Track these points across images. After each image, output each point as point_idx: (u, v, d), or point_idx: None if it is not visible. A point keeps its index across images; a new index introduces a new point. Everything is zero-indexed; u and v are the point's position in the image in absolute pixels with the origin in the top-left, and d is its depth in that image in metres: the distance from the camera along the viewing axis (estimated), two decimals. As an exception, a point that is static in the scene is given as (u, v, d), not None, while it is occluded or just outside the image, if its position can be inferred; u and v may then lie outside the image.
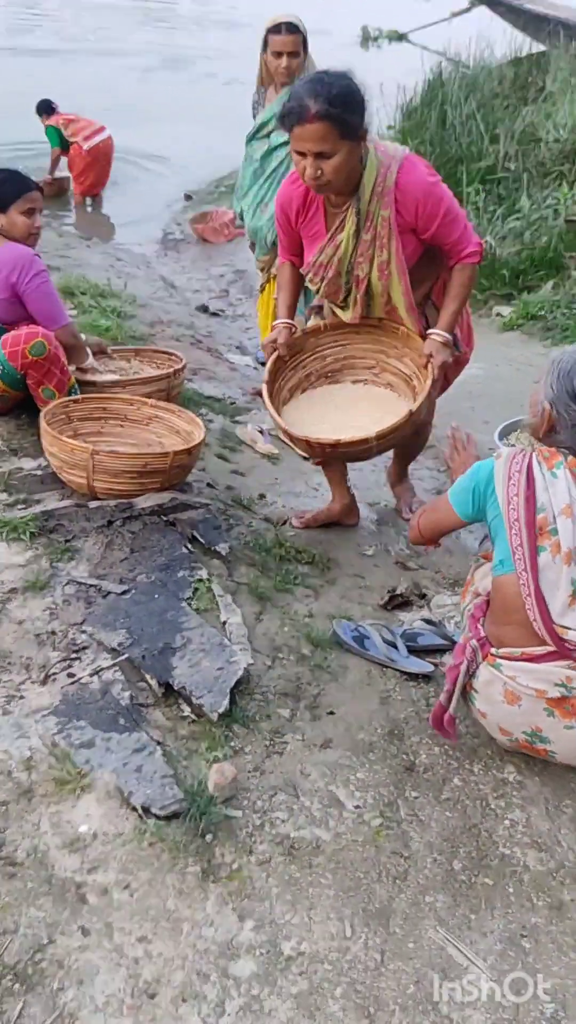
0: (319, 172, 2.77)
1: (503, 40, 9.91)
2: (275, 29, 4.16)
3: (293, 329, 3.26)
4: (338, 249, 3.01)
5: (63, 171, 9.10)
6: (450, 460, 2.77)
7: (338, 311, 3.24)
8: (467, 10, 14.43)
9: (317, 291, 3.19)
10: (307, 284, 3.21)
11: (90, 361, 3.68)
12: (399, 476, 3.72)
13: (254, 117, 4.43)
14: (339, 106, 2.69)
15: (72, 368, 3.59)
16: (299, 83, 2.77)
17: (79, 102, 9.67)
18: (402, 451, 3.60)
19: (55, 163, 8.94)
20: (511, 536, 2.18)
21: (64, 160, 8.98)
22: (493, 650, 2.25)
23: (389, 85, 8.51)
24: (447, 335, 3.08)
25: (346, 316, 3.19)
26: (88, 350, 3.72)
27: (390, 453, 3.58)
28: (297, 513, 3.58)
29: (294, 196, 3.04)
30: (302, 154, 2.76)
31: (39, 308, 3.39)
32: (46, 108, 8.97)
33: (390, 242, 2.96)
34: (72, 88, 11.69)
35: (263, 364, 5.56)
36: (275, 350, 3.24)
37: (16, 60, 14.15)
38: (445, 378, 3.26)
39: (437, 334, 3.07)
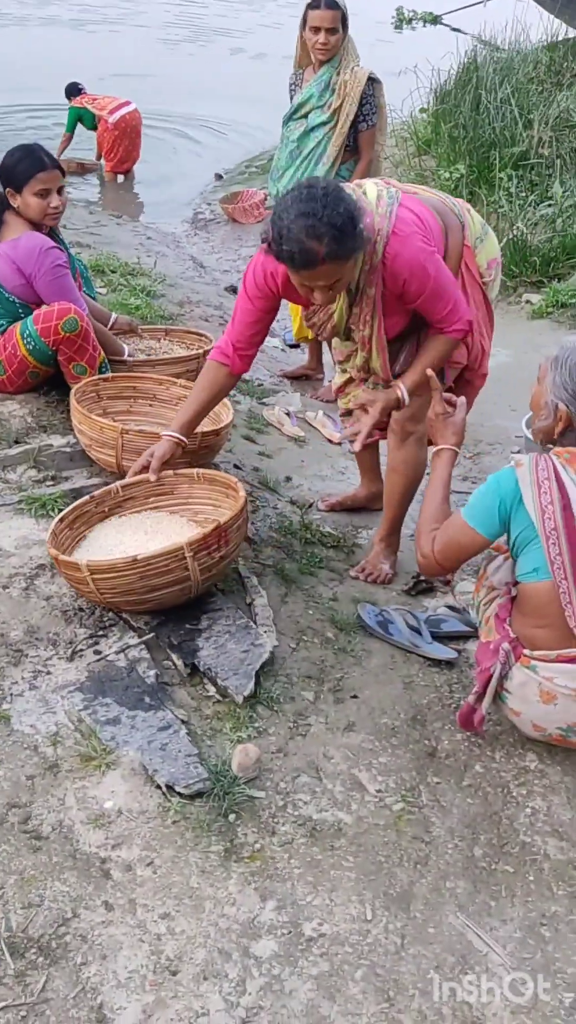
0: (331, 293, 2.60)
1: (538, 25, 9.75)
2: (314, 4, 4.12)
3: (182, 446, 2.89)
4: (331, 318, 2.85)
5: (89, 151, 9.12)
6: (433, 419, 2.54)
7: (335, 340, 3.09)
8: (473, 4, 14.24)
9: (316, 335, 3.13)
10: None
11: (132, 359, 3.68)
12: (385, 531, 3.19)
13: (291, 98, 4.40)
14: (347, 240, 2.45)
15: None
16: (288, 217, 2.43)
17: (106, 76, 9.66)
18: (390, 507, 3.18)
19: (63, 147, 8.95)
20: (548, 546, 2.13)
21: (94, 139, 8.99)
22: (527, 651, 2.23)
23: (423, 67, 8.43)
24: (405, 393, 2.84)
25: (342, 348, 3.07)
26: (126, 348, 3.71)
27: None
28: (324, 496, 3.57)
29: (279, 271, 2.68)
30: (308, 286, 2.56)
31: (51, 300, 3.36)
32: (74, 90, 9.00)
33: (372, 320, 2.80)
34: (98, 61, 11.69)
35: (291, 346, 5.58)
36: (145, 467, 2.85)
37: (41, 31, 14.11)
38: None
39: (399, 387, 2.84)
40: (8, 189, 3.34)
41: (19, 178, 3.32)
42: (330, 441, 4.21)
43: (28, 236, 3.34)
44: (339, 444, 4.17)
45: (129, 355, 3.71)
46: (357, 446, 2.91)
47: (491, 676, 2.25)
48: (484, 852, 2.09)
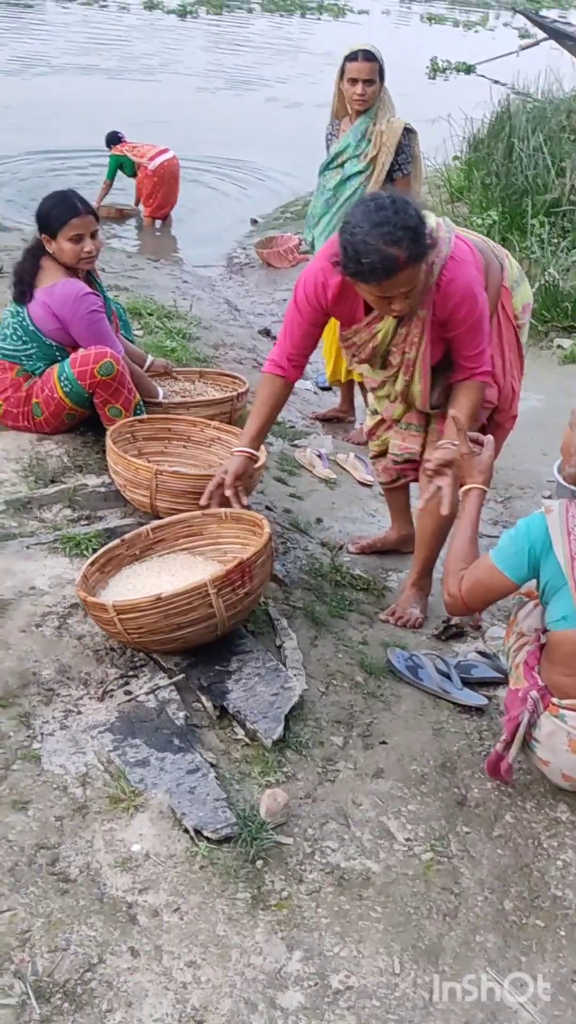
0: (409, 300, 2.63)
1: (571, 74, 9.89)
2: (352, 56, 4.20)
3: (254, 460, 2.97)
4: (374, 337, 2.88)
5: (128, 197, 9.30)
6: (462, 460, 2.50)
7: (366, 370, 3.08)
8: (535, 44, 14.46)
9: (350, 360, 3.08)
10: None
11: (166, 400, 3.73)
12: (416, 575, 3.19)
13: (327, 148, 4.47)
14: (422, 240, 2.54)
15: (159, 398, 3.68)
16: (361, 231, 2.49)
17: (144, 122, 9.86)
18: (421, 548, 3.17)
19: (103, 193, 9.14)
20: None
21: (134, 185, 9.17)
22: (555, 700, 2.21)
23: (457, 116, 8.55)
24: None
25: (374, 377, 3.05)
26: (159, 390, 3.77)
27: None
28: (354, 539, 3.57)
29: (330, 285, 2.78)
30: (387, 297, 2.59)
31: (87, 345, 3.42)
32: (114, 139, 9.21)
33: (419, 343, 2.82)
34: (136, 108, 11.97)
35: (324, 389, 5.62)
36: (234, 488, 2.89)
37: (82, 79, 14.48)
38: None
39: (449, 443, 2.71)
40: (44, 235, 3.42)
41: (54, 224, 3.39)
42: (361, 483, 4.22)
43: (63, 283, 3.41)
44: (370, 487, 4.18)
45: (164, 397, 3.76)
46: (445, 509, 2.66)
47: (519, 724, 2.23)
48: (515, 905, 2.06)
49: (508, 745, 2.26)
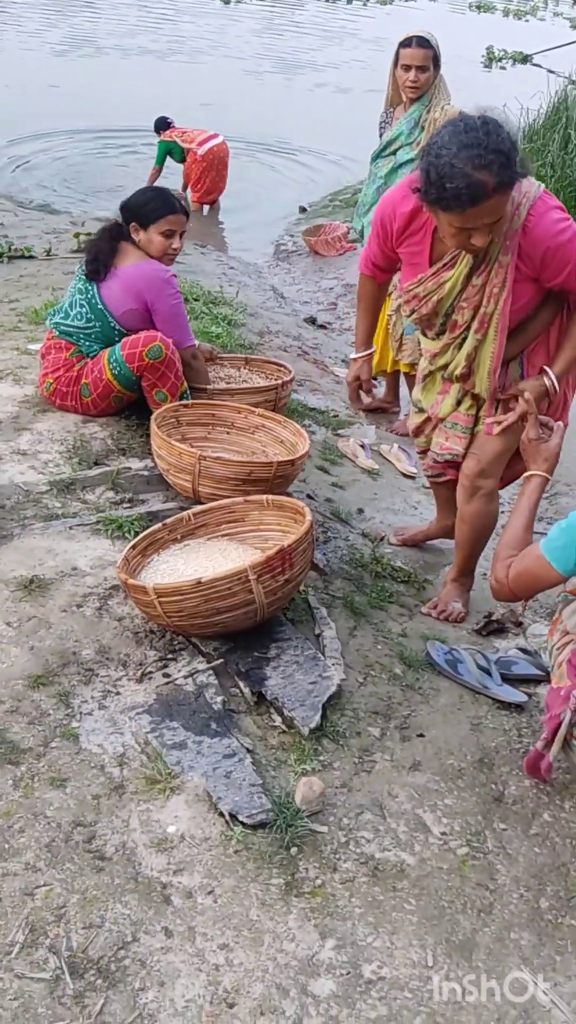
0: (490, 236, 2.48)
1: (630, 64, 9.72)
2: (406, 42, 4.17)
3: (372, 360, 3.19)
4: (441, 287, 2.69)
5: (174, 182, 9.30)
6: (526, 444, 2.46)
7: (423, 340, 2.99)
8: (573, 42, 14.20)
9: (408, 315, 2.90)
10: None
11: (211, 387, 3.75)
12: (456, 572, 3.16)
13: (380, 136, 4.44)
14: (513, 166, 2.36)
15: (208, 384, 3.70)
16: (448, 153, 2.33)
17: (193, 106, 9.85)
18: (460, 552, 3.13)
19: (152, 180, 9.13)
20: None
21: (181, 171, 9.17)
22: None
23: (512, 106, 8.43)
24: (554, 380, 2.76)
25: (432, 347, 2.90)
26: (210, 375, 3.78)
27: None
28: (397, 530, 3.55)
29: (398, 214, 2.70)
30: (469, 229, 2.43)
31: (167, 328, 3.46)
32: (163, 125, 9.20)
33: (500, 293, 2.61)
34: (185, 92, 11.97)
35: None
36: (359, 388, 3.17)
37: (127, 62, 14.50)
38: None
39: (547, 374, 2.75)
40: (133, 224, 3.47)
41: (150, 215, 3.45)
42: (404, 475, 4.20)
43: (150, 263, 3.46)
44: (413, 478, 4.15)
45: (210, 383, 3.77)
46: (497, 430, 2.83)
47: (560, 723, 2.20)
48: (550, 904, 2.04)
49: (548, 744, 2.23)
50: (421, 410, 3.15)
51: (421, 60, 4.16)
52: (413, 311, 2.81)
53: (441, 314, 2.74)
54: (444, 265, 2.67)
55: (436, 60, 4.19)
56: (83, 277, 3.49)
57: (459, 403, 2.97)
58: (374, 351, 3.16)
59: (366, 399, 3.27)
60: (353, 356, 3.22)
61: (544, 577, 2.23)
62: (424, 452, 3.28)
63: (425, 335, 2.94)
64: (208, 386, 3.70)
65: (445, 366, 2.88)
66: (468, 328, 2.72)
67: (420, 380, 3.12)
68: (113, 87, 12.27)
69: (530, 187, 2.56)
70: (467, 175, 2.29)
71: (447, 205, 2.38)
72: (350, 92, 12.93)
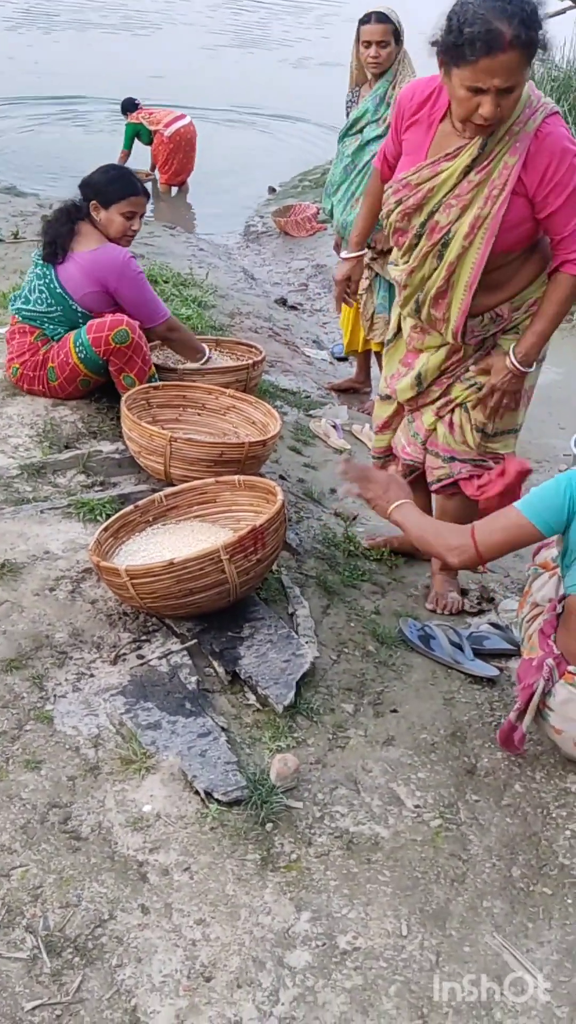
0: (499, 110, 2.32)
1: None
2: (365, 19, 4.16)
3: (363, 261, 3.20)
4: (436, 176, 2.53)
5: (144, 164, 9.24)
6: (365, 493, 2.40)
7: (399, 263, 2.74)
8: (562, 12, 14.11)
9: (386, 217, 2.69)
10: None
11: (208, 356, 3.73)
12: (439, 564, 3.02)
13: (347, 115, 4.43)
14: (534, 28, 2.26)
15: (195, 364, 3.69)
16: (474, 2, 2.26)
17: (157, 87, 9.73)
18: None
19: (124, 160, 9.06)
20: None
21: (148, 153, 9.10)
22: (571, 668, 2.21)
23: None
24: (519, 364, 2.64)
25: (396, 273, 2.76)
26: (205, 346, 3.77)
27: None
28: (369, 535, 3.37)
29: (416, 94, 2.58)
30: (478, 90, 2.29)
31: (136, 310, 3.45)
32: (129, 106, 9.11)
33: (499, 196, 2.46)
34: (148, 70, 11.83)
35: (339, 359, 5.60)
36: (346, 289, 3.13)
37: (83, 36, 14.33)
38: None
39: (510, 359, 2.64)
40: (94, 202, 3.43)
41: (112, 195, 3.42)
42: (376, 455, 4.21)
43: (106, 248, 3.43)
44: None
45: (210, 359, 3.76)
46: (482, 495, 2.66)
47: (533, 693, 2.23)
48: (522, 873, 2.07)
49: (521, 715, 2.26)
50: (387, 397, 3.04)
51: (381, 35, 4.14)
52: (398, 203, 2.61)
53: (424, 212, 2.57)
54: (445, 155, 2.52)
55: (397, 35, 4.17)
56: (39, 261, 3.46)
57: (418, 383, 2.85)
58: (366, 254, 3.17)
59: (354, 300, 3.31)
60: (344, 255, 3.14)
61: (520, 536, 2.19)
62: (382, 454, 3.15)
63: (395, 256, 2.79)
64: (203, 355, 3.69)
65: (416, 304, 2.72)
66: (448, 232, 2.55)
67: (385, 352, 3.06)
68: (74, 60, 12.13)
69: (549, 101, 2.48)
70: (487, 21, 2.22)
71: (461, 53, 2.27)
72: (322, 68, 12.82)
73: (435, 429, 2.91)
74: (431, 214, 2.56)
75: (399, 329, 2.95)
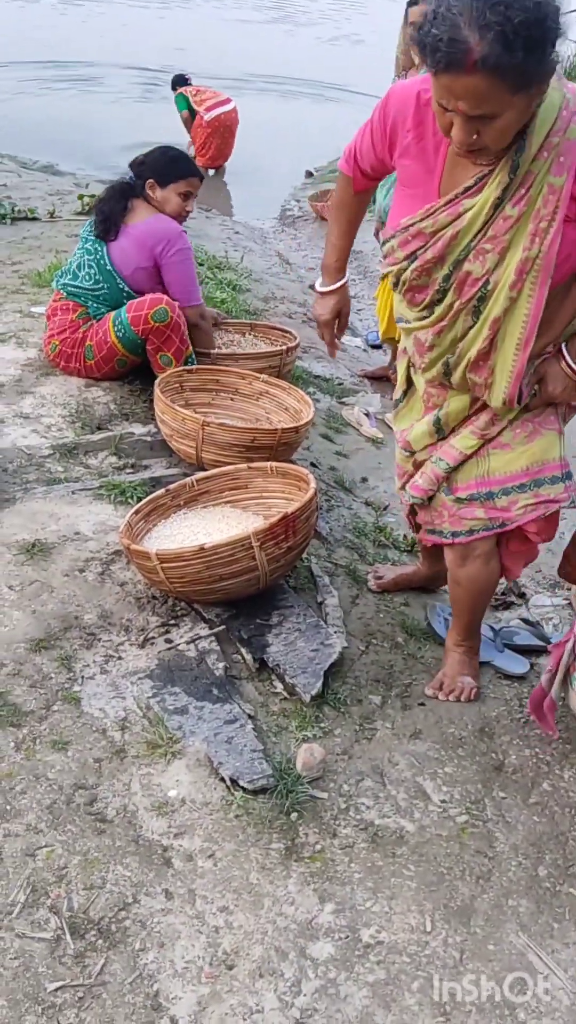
0: (474, 138, 1.78)
1: None
2: (413, 1, 4.10)
3: (346, 291, 2.49)
4: (460, 218, 1.94)
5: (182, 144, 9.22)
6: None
7: (413, 320, 2.14)
8: None
9: (395, 275, 2.09)
10: (381, 258, 2.17)
11: (215, 352, 3.73)
12: (459, 636, 2.55)
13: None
14: (519, 49, 1.64)
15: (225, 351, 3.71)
16: None
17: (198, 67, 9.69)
18: (459, 616, 2.51)
19: (187, 124, 9.03)
20: None
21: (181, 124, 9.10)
22: None
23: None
24: (570, 361, 2.12)
25: (423, 327, 2.12)
26: (216, 340, 3.77)
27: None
28: (375, 570, 2.97)
29: (416, 99, 1.95)
30: (447, 109, 1.77)
31: (175, 280, 3.46)
32: (179, 81, 9.12)
33: (549, 228, 1.89)
34: (183, 47, 11.77)
35: (374, 347, 5.55)
36: (334, 326, 2.49)
37: (114, 8, 14.31)
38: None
39: (566, 361, 2.11)
40: (151, 180, 3.45)
41: (171, 174, 3.47)
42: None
43: (161, 217, 3.48)
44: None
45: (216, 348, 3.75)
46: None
47: (563, 655, 2.21)
48: (548, 872, 2.05)
49: (553, 676, 2.23)
50: (408, 452, 2.42)
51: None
52: (411, 258, 2.03)
53: (448, 264, 1.99)
54: (465, 190, 1.94)
55: None
56: (91, 237, 3.46)
57: (438, 430, 2.29)
58: (345, 283, 2.45)
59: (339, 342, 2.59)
60: (321, 288, 2.45)
61: None
62: (416, 514, 2.51)
63: (413, 312, 2.14)
64: (212, 351, 3.67)
65: (444, 366, 2.15)
66: (487, 284, 1.98)
67: (394, 404, 2.48)
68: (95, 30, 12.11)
69: None
70: (455, 27, 1.65)
71: (422, 53, 1.75)
72: (340, 38, 12.70)
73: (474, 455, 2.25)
74: (457, 263, 1.99)
75: (409, 383, 2.38)
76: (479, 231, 1.95)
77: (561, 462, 2.22)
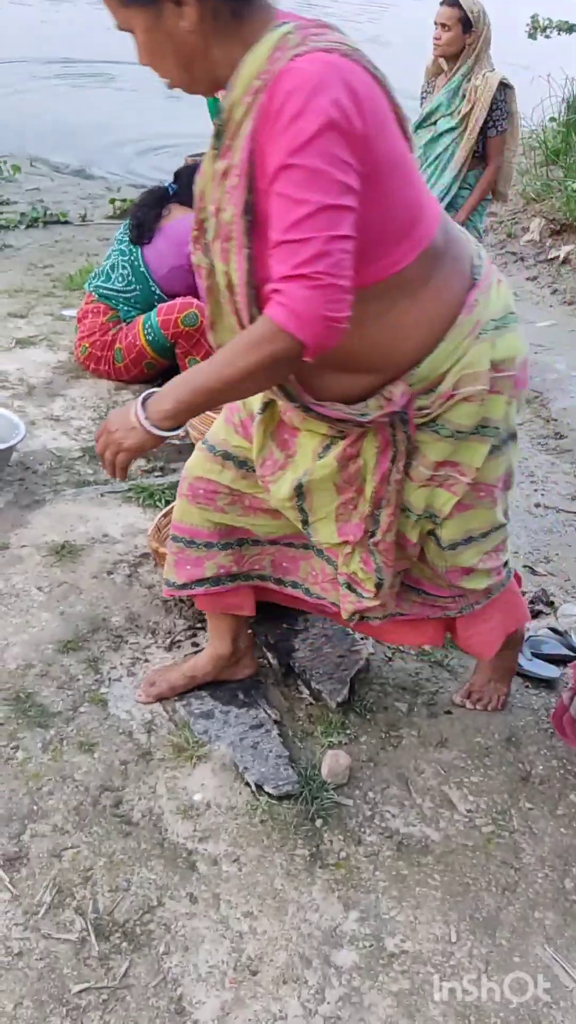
0: (142, 55, 1.58)
1: None
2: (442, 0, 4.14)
3: None
4: (201, 176, 1.65)
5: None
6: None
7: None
8: None
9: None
10: None
11: None
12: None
13: (421, 106, 4.38)
14: None
15: None
16: None
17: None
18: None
19: None
20: None
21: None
22: None
23: (557, 76, 8.26)
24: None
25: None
26: None
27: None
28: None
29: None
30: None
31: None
32: None
33: (240, 184, 1.51)
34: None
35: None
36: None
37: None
38: None
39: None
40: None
41: None
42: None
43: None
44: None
45: None
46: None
47: None
48: (575, 885, 2.03)
49: (573, 694, 2.22)
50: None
51: (446, 18, 4.12)
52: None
53: (204, 219, 1.66)
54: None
55: (467, 22, 4.11)
56: (125, 239, 3.48)
57: (299, 497, 1.91)
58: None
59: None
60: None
61: None
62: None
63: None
64: None
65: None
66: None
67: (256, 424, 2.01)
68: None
69: (335, 40, 1.52)
70: None
71: None
72: (392, 46, 12.69)
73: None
74: (205, 223, 1.68)
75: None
76: (210, 188, 1.64)
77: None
